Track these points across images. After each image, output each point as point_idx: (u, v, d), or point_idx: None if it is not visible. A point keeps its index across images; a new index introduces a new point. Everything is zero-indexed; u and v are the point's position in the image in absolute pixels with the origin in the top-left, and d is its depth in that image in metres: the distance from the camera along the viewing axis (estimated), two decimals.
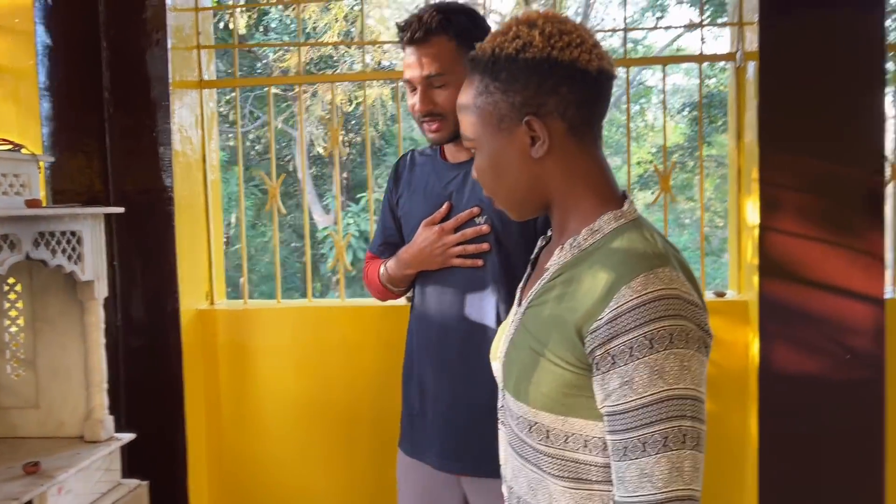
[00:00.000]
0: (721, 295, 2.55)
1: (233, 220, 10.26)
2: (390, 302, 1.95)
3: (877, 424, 2.18)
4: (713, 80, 9.95)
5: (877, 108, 2.18)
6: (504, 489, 1.09)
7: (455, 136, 1.64)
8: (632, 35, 12.11)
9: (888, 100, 2.22)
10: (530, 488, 1.00)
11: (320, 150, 10.99)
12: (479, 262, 1.63)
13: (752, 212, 2.31)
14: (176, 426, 2.51)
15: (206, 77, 2.71)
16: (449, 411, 1.66)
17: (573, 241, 0.99)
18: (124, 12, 2.47)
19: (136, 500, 2.00)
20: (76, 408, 2.04)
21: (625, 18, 2.78)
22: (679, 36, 12.44)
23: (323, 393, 2.63)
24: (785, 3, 2.22)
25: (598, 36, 1.01)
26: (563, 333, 0.93)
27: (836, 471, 2.22)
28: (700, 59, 2.60)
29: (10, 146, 1.85)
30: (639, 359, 0.86)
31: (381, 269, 1.78)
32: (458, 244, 1.64)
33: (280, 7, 8.88)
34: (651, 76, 12.72)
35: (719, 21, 7.94)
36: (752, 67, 2.35)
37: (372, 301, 2.70)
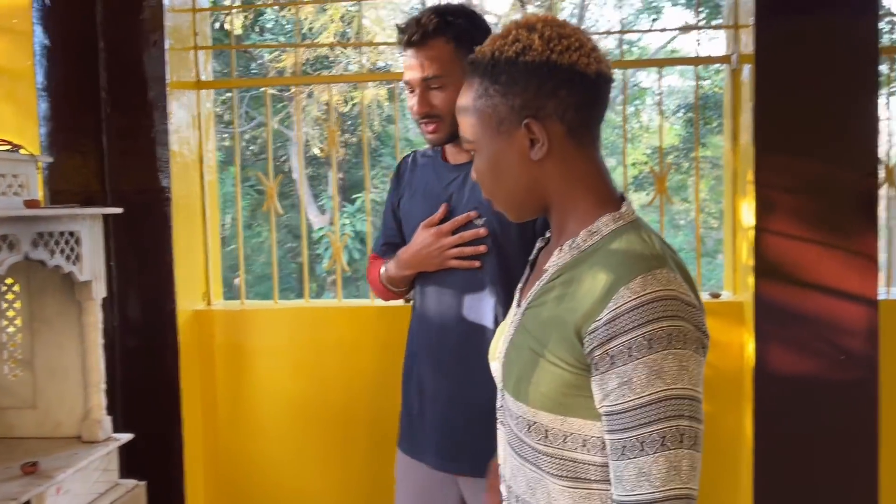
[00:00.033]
0: (716, 296, 2.56)
1: (227, 220, 10.24)
2: (388, 303, 1.96)
3: (870, 424, 2.20)
4: (708, 81, 9.98)
5: (870, 111, 2.19)
6: (503, 488, 1.10)
7: (452, 138, 1.65)
8: (627, 36, 12.13)
9: (881, 102, 2.23)
10: (529, 487, 1.01)
11: (316, 151, 10.98)
12: (477, 264, 1.64)
13: (747, 213, 2.33)
14: (172, 426, 2.51)
15: (203, 78, 2.71)
16: (447, 411, 1.67)
17: (572, 243, 1.00)
18: (122, 13, 2.47)
19: (134, 501, 2.00)
20: (73, 408, 2.04)
21: (621, 21, 2.79)
22: (674, 38, 12.47)
23: (320, 393, 2.63)
24: (780, 7, 2.23)
25: (594, 38, 1.02)
26: (563, 334, 0.93)
27: (830, 470, 2.24)
28: (696, 61, 2.62)
29: (8, 146, 1.85)
30: (637, 359, 0.87)
31: (382, 270, 1.80)
32: (456, 246, 1.65)
33: (276, 7, 8.88)
34: (646, 77, 12.74)
35: (714, 23, 7.96)
36: (747, 70, 2.36)
37: (368, 302, 2.71)
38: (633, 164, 11.27)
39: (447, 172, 1.72)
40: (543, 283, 1.01)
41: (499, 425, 1.12)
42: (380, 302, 2.59)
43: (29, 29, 2.43)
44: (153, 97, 2.47)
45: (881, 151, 2.25)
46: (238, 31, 10.02)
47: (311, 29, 10.44)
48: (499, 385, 1.10)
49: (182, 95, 2.59)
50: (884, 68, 2.44)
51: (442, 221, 1.67)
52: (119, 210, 2.17)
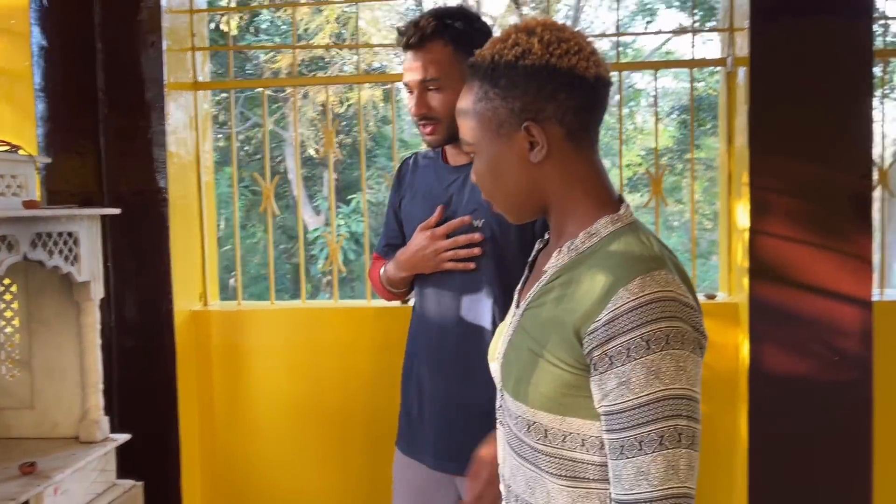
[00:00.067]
0: (711, 297, 2.58)
1: (222, 221, 10.23)
2: (384, 304, 1.96)
3: (864, 425, 2.21)
4: (702, 83, 10.00)
5: (864, 114, 2.21)
6: (502, 488, 1.11)
7: (451, 139, 1.66)
8: (622, 38, 12.15)
9: (875, 105, 2.25)
10: (528, 487, 1.02)
11: (311, 152, 10.98)
12: (472, 266, 1.65)
13: (742, 215, 2.34)
14: (169, 427, 2.51)
15: (200, 79, 2.72)
16: (445, 412, 1.68)
17: (571, 245, 1.01)
18: (119, 14, 2.48)
19: (132, 501, 2.01)
20: (71, 408, 2.04)
21: (617, 23, 2.80)
22: (668, 40, 12.50)
23: (316, 394, 2.64)
24: (775, 10, 2.25)
25: (589, 40, 1.03)
26: (562, 335, 0.94)
27: (824, 471, 2.25)
28: (692, 64, 2.63)
29: (7, 147, 1.85)
30: (636, 359, 0.88)
31: (381, 271, 1.81)
32: (451, 249, 1.66)
33: (272, 8, 8.87)
34: (640, 79, 12.75)
35: (709, 25, 7.98)
36: (742, 73, 2.38)
37: (365, 302, 2.72)
38: (628, 166, 11.29)
39: (447, 174, 1.73)
40: (542, 284, 1.02)
41: (498, 425, 1.13)
42: (376, 302, 2.60)
43: (27, 30, 2.43)
44: (150, 98, 2.48)
45: (875, 154, 2.26)
46: (233, 31, 10.01)
47: (306, 30, 10.43)
48: (498, 385, 1.11)
49: (179, 96, 2.59)
50: (877, 71, 2.45)
51: (441, 223, 1.68)
52: (117, 211, 2.17)
